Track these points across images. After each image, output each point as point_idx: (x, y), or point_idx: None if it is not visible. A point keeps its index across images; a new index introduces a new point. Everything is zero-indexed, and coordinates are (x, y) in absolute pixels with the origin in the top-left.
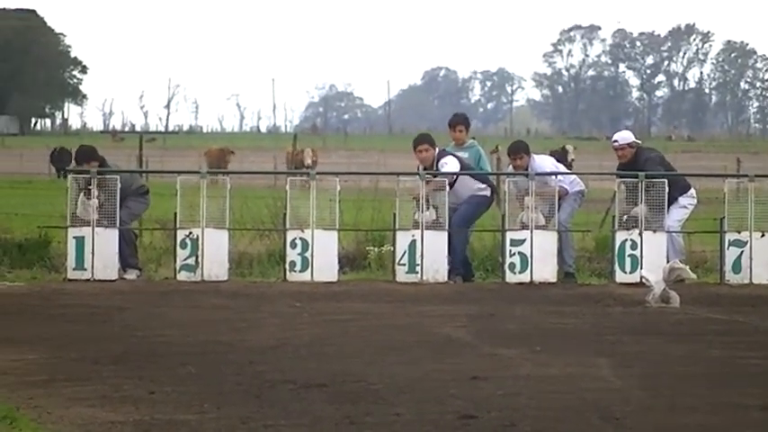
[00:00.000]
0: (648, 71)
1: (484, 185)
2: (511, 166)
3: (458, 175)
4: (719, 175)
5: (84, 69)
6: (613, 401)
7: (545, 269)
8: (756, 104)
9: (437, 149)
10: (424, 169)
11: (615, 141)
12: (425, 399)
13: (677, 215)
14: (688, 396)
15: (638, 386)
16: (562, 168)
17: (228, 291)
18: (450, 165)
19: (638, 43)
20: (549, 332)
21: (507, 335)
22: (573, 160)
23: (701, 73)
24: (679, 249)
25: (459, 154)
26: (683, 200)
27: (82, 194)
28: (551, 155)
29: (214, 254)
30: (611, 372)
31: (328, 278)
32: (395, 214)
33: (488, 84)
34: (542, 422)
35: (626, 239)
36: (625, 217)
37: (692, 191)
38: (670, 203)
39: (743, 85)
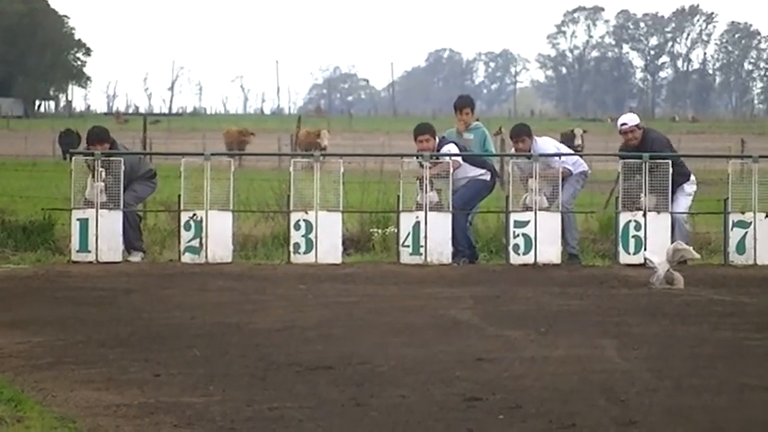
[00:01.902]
0: (652, 52)
1: (483, 170)
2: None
3: (458, 162)
4: (723, 156)
5: (87, 52)
6: (619, 383)
7: (549, 251)
8: (760, 85)
9: (438, 138)
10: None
11: (624, 124)
12: (431, 381)
13: (684, 203)
14: (694, 377)
15: (643, 368)
16: (564, 149)
17: (233, 273)
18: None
19: (641, 24)
20: (554, 314)
21: (512, 316)
22: (579, 145)
23: (705, 54)
24: (686, 236)
25: (465, 136)
26: (687, 187)
27: (90, 177)
28: (561, 139)
29: (218, 236)
30: (616, 353)
31: (332, 260)
32: (399, 196)
33: (492, 65)
34: (548, 404)
35: (629, 221)
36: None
37: (693, 177)
38: (675, 189)
39: (747, 65)
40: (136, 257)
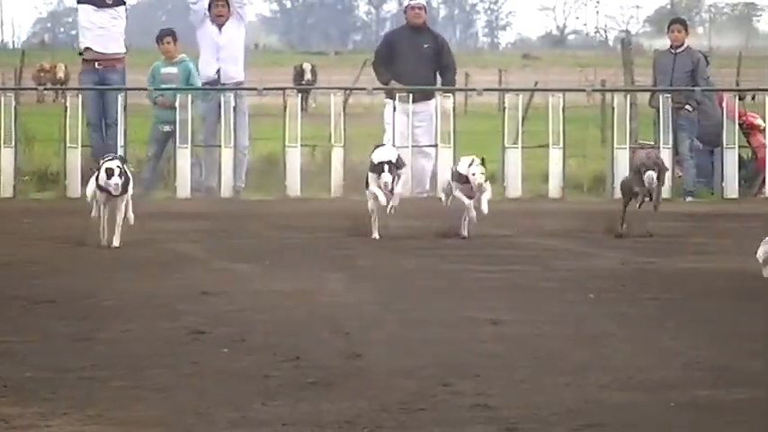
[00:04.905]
0: None
1: None
2: None
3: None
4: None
5: None
6: (344, 316)
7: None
8: (485, 19)
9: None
10: None
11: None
12: (156, 315)
13: None
14: (420, 310)
15: (369, 300)
16: None
17: None
18: None
19: None
20: (282, 248)
21: (240, 250)
22: (309, 80)
23: None
24: None
25: (168, 70)
26: None
27: None
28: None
29: None
30: (343, 286)
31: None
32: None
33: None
34: (272, 337)
35: None
36: None
37: None
38: None
39: None
40: None
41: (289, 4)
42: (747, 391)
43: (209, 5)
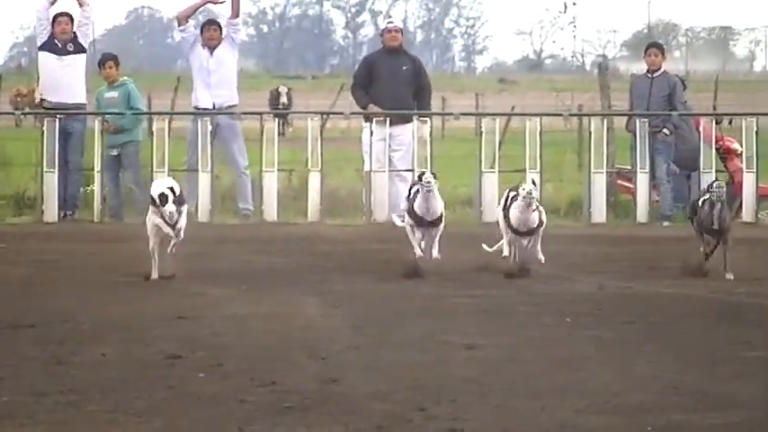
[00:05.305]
0: (353, 9)
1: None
2: None
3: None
4: (433, 113)
5: None
6: (320, 340)
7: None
8: (462, 43)
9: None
10: None
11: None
12: (132, 338)
13: None
14: (395, 334)
15: (345, 325)
16: None
17: None
18: None
19: None
20: (257, 272)
21: (217, 275)
22: (284, 103)
23: (406, 11)
24: None
25: (110, 94)
26: None
27: None
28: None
29: None
30: (319, 311)
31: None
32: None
33: (193, 22)
34: (249, 361)
35: None
36: None
37: None
38: None
39: (447, 23)
40: None
41: (266, 29)
42: (724, 416)
43: (201, 28)
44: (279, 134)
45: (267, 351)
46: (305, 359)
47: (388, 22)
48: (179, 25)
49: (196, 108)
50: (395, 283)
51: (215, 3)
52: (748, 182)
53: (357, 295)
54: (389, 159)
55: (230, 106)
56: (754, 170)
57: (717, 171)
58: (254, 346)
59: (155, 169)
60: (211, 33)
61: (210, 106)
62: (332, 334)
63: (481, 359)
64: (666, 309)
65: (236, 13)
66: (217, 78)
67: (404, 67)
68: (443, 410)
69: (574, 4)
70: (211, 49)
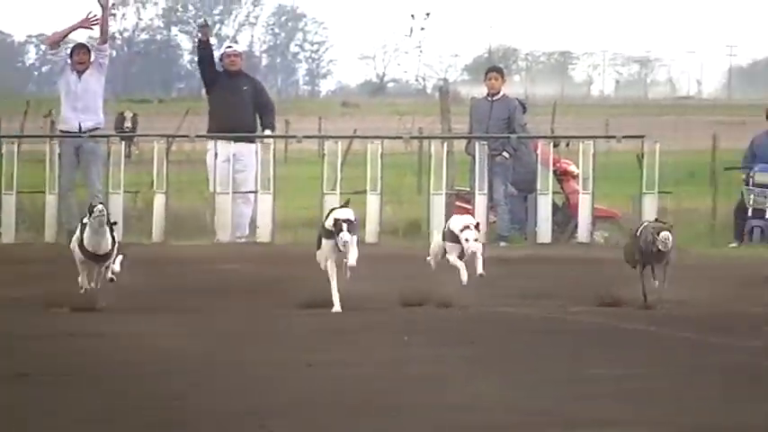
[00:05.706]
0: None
1: None
2: None
3: None
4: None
5: None
6: (169, 360)
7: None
8: (306, 67)
9: None
10: None
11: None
12: None
13: None
14: (239, 353)
15: (193, 344)
16: None
17: None
18: None
19: (190, 6)
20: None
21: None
22: (128, 127)
23: (252, 36)
24: None
25: None
26: None
27: None
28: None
29: None
30: (167, 330)
31: None
32: None
33: (43, 48)
34: (100, 382)
35: None
36: None
37: None
38: None
39: (293, 47)
40: None
41: (114, 53)
42: None
43: (72, 52)
44: (125, 156)
45: (117, 369)
46: (151, 378)
47: (227, 47)
48: (50, 50)
49: (61, 131)
50: (240, 302)
51: (85, 28)
52: (584, 203)
53: (203, 315)
54: (234, 180)
55: (95, 129)
56: (590, 192)
57: (554, 193)
58: (105, 365)
59: (3, 191)
60: (81, 57)
61: (77, 129)
62: (180, 354)
63: (322, 376)
64: (502, 328)
65: (104, 39)
66: (83, 103)
67: (244, 87)
68: (283, 426)
69: (422, 29)
70: (80, 73)
